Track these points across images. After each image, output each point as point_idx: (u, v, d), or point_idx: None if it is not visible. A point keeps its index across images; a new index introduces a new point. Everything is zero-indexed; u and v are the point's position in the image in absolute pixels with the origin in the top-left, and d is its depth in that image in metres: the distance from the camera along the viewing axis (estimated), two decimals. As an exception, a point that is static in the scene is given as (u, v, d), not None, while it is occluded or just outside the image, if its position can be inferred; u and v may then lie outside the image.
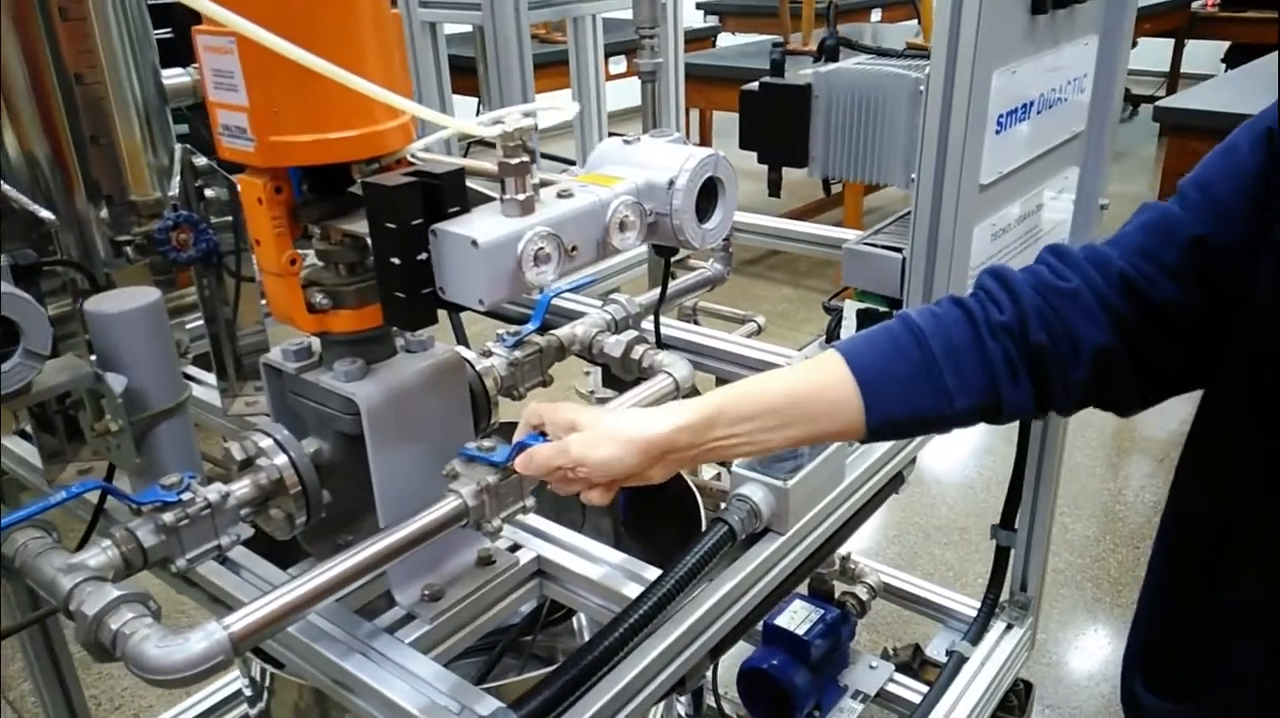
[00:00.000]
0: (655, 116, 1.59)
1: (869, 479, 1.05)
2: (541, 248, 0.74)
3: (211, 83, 0.72)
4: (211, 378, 1.17)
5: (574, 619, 1.73)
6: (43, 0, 0.94)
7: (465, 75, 2.16)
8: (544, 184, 0.80)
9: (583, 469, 0.73)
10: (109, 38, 0.96)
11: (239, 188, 0.76)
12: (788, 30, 4.77)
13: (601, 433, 0.73)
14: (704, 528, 1.44)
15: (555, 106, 0.78)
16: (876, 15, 6.69)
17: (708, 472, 2.18)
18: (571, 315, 1.26)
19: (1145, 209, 0.78)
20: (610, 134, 1.88)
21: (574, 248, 0.78)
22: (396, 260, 0.73)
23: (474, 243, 0.71)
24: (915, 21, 5.34)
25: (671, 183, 0.83)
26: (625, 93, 2.20)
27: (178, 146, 1.08)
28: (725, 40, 6.24)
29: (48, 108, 0.99)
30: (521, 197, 0.74)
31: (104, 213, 1.02)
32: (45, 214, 0.99)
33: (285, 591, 0.68)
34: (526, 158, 0.74)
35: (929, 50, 1.22)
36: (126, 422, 0.84)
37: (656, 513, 1.54)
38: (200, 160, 1.06)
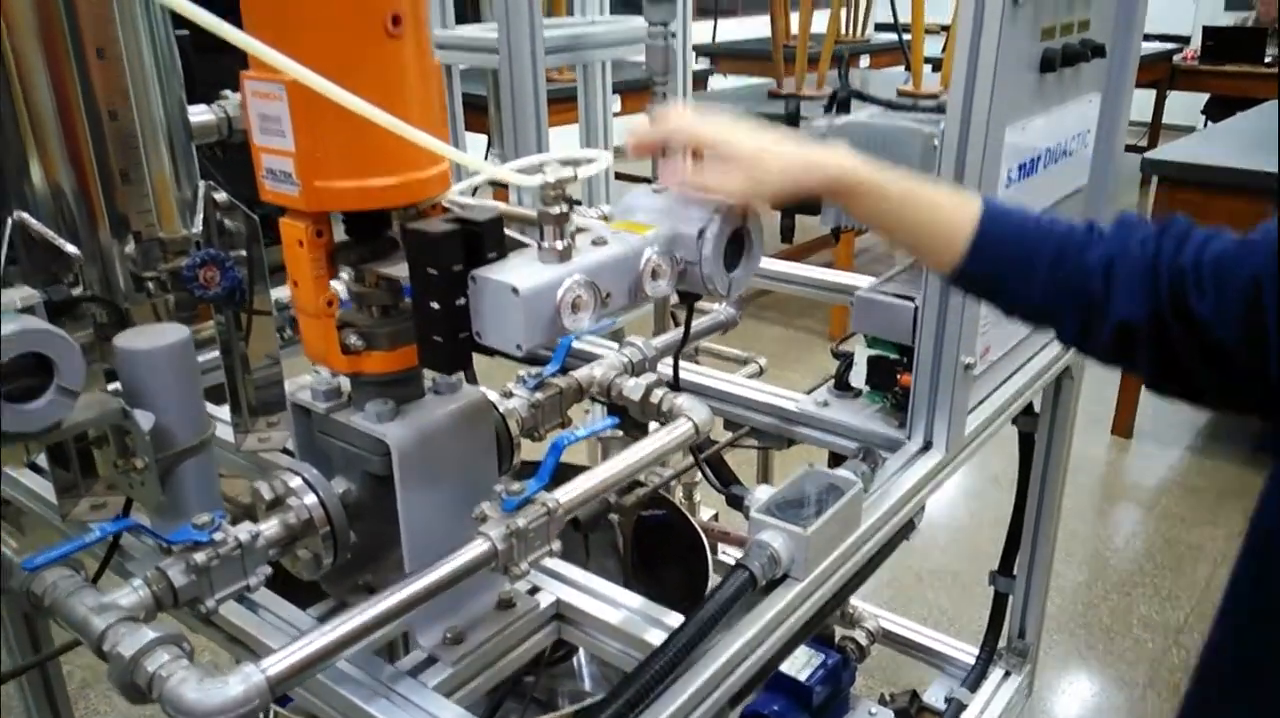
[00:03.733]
0: (665, 161, 1.61)
1: (883, 526, 1.07)
2: (579, 295, 0.75)
3: (257, 128, 0.73)
4: (219, 412, 1.17)
5: (574, 660, 1.72)
6: (77, 39, 0.95)
7: (472, 112, 2.19)
8: (578, 230, 0.81)
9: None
10: (143, 75, 0.97)
11: (282, 229, 0.77)
12: (781, 74, 4.84)
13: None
14: (709, 568, 1.45)
15: (592, 157, 0.80)
16: (865, 61, 6.82)
17: (706, 512, 2.18)
18: (586, 357, 1.27)
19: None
20: (617, 174, 1.90)
21: (608, 295, 0.79)
22: (436, 305, 0.73)
23: (514, 290, 0.72)
24: (903, 68, 5.44)
25: (701, 233, 0.85)
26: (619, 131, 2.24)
27: (201, 183, 1.09)
28: (717, 82, 6.33)
29: (75, 143, 1.00)
30: (560, 245, 0.76)
31: (129, 248, 1.03)
32: (70, 248, 1.00)
33: (320, 633, 0.68)
34: (566, 207, 0.75)
35: (938, 102, 1.25)
36: (153, 459, 0.84)
37: (662, 552, 1.54)
38: (220, 195, 1.07)
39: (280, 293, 1.36)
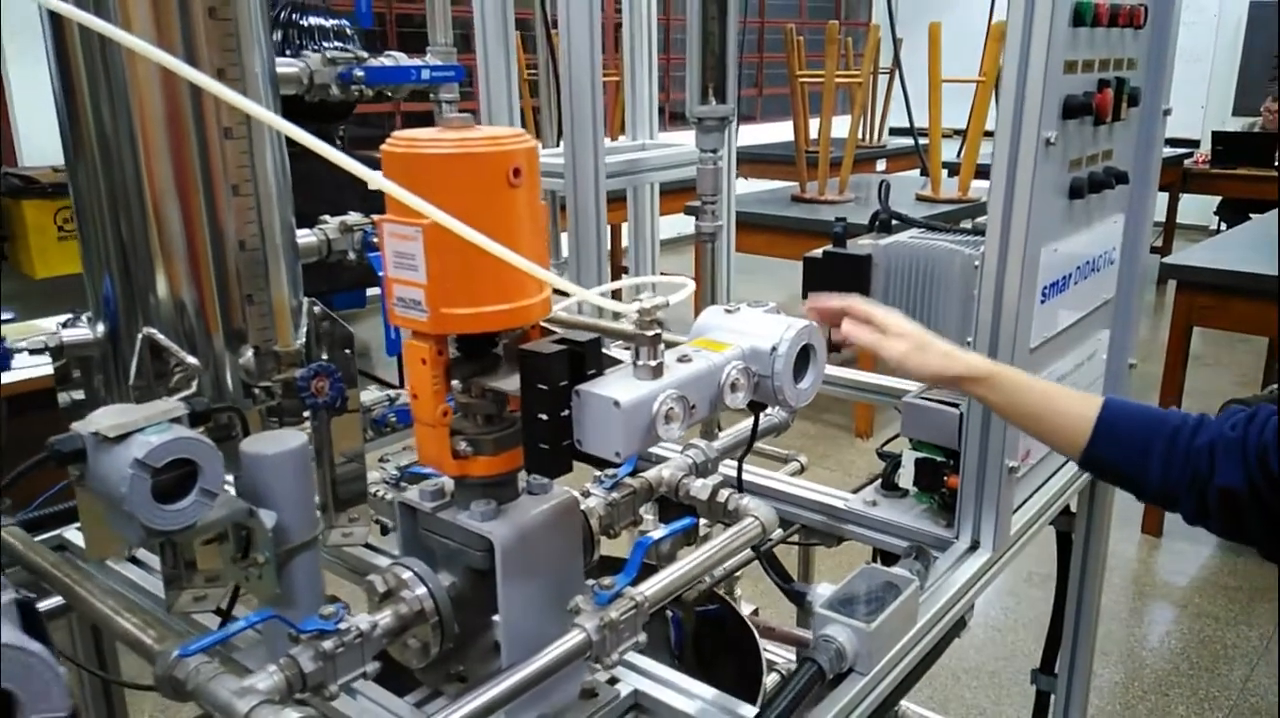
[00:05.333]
0: (714, 272, 1.72)
1: (938, 622, 1.12)
2: (672, 408, 0.84)
3: (392, 263, 0.83)
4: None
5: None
6: (209, 178, 1.06)
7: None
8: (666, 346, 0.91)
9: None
10: (271, 206, 1.08)
11: (406, 349, 0.86)
12: (804, 179, 5.03)
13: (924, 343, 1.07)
14: (762, 663, 1.49)
15: (680, 284, 0.90)
16: (881, 165, 7.05)
17: (745, 606, 2.22)
18: (651, 456, 1.35)
19: None
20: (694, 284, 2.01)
21: (694, 406, 0.88)
22: (544, 416, 0.82)
23: (616, 403, 0.81)
24: (918, 173, 5.59)
25: (774, 349, 0.94)
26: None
27: (305, 299, 1.20)
28: (740, 186, 6.53)
29: (198, 265, 1.10)
30: (654, 363, 0.85)
31: (242, 359, 1.12)
32: (191, 360, 1.09)
33: (442, 718, 0.75)
34: (659, 330, 0.85)
35: (975, 224, 1.36)
36: (272, 555, 0.92)
37: (714, 646, 1.59)
38: (319, 308, 1.18)
39: (365, 396, 1.46)
